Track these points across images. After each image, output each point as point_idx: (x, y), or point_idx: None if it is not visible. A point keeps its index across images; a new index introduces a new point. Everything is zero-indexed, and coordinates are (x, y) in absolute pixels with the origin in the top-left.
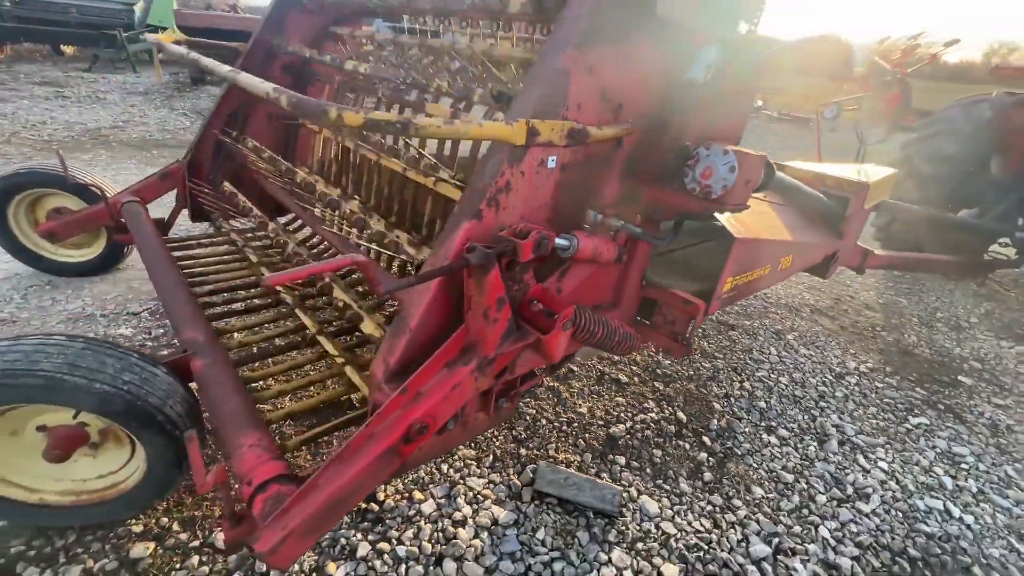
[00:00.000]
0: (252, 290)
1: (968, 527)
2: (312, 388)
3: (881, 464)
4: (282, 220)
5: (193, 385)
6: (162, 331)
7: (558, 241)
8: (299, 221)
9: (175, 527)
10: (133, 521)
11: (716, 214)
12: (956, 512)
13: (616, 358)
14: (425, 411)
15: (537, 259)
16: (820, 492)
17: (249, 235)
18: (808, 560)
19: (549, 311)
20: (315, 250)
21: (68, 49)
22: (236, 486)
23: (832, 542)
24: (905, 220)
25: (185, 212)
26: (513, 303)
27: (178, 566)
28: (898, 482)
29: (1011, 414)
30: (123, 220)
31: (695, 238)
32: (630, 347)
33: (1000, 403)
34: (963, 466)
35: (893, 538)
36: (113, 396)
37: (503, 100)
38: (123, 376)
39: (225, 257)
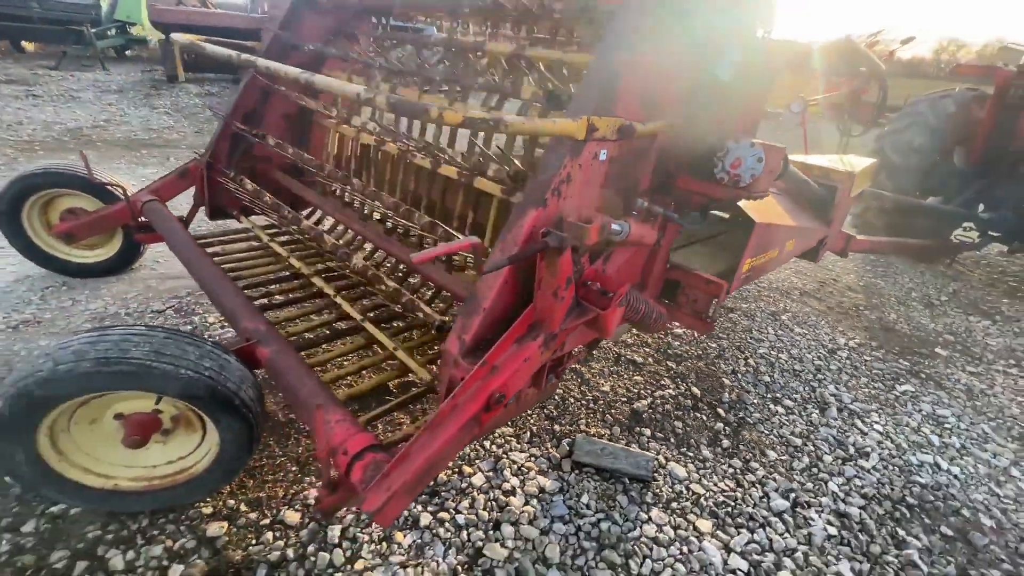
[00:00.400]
0: (285, 283)
1: (955, 477)
2: (348, 376)
3: (876, 427)
4: (303, 213)
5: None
6: (190, 328)
7: (613, 226)
8: (319, 213)
9: (243, 507)
10: (201, 504)
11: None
12: (944, 465)
13: (629, 341)
14: (501, 383)
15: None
16: (826, 453)
17: (272, 231)
18: (822, 511)
19: (603, 291)
20: (344, 241)
21: (28, 45)
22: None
23: (841, 495)
24: (879, 207)
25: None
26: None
27: (253, 542)
28: (892, 441)
29: (983, 380)
30: (144, 219)
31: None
32: (663, 325)
33: (973, 371)
34: (946, 426)
35: (892, 489)
36: (196, 382)
37: (553, 100)
38: (203, 363)
39: (252, 252)
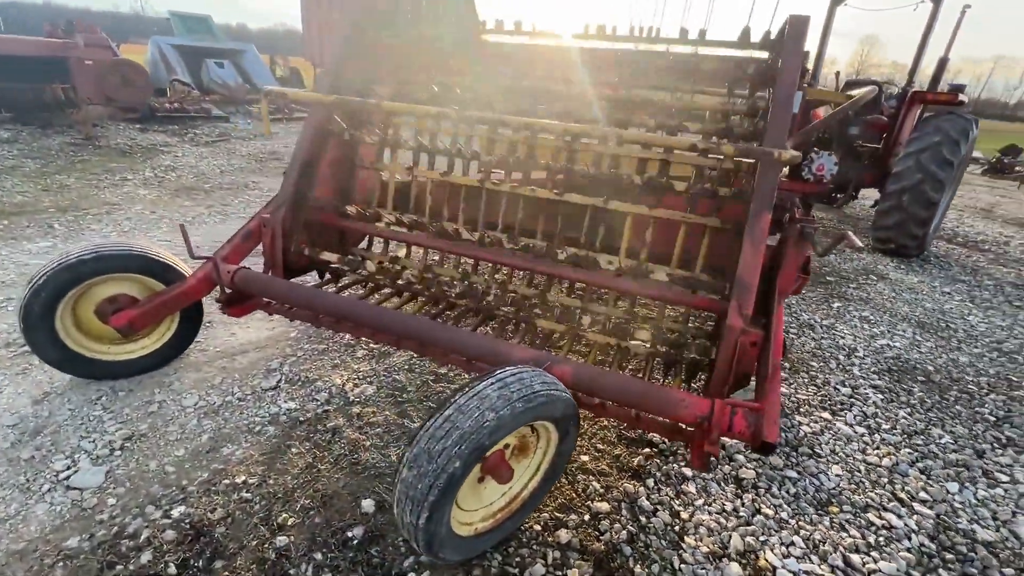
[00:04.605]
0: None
1: (899, 348)
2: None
3: (845, 333)
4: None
5: None
6: (326, 395)
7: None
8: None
9: (558, 514)
10: (525, 528)
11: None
12: (891, 343)
13: None
14: (780, 337)
15: None
16: (838, 355)
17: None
18: (866, 387)
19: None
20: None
21: None
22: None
23: (864, 375)
24: None
25: None
26: None
27: (597, 534)
28: (856, 339)
29: (863, 291)
30: (234, 290)
31: None
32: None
33: (855, 287)
34: (871, 321)
35: (881, 364)
36: (568, 403)
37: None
38: (561, 388)
39: (369, 296)
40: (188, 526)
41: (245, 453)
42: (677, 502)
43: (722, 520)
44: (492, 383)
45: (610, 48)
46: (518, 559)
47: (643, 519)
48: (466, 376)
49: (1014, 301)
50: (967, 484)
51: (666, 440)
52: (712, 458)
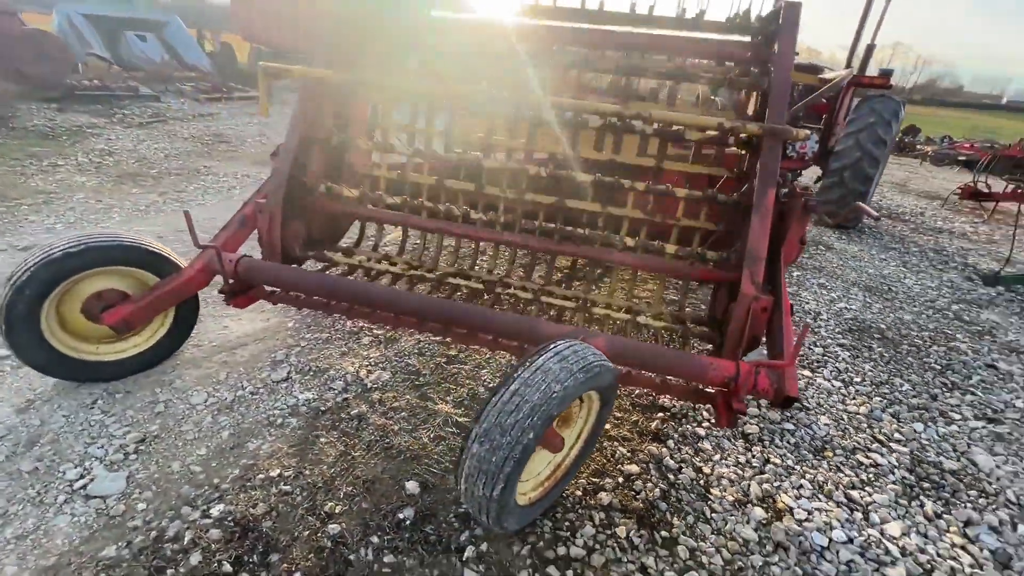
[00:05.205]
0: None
1: (855, 310)
2: None
3: (808, 297)
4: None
5: None
6: (342, 383)
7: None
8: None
9: (594, 479)
10: (568, 494)
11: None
12: (849, 306)
13: None
14: (788, 302)
15: None
16: (802, 317)
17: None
18: (835, 346)
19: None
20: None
21: None
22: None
23: (831, 337)
24: None
25: None
26: None
27: (634, 494)
28: (818, 300)
29: (816, 260)
30: (236, 280)
31: None
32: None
33: (807, 257)
34: (827, 287)
35: (843, 324)
36: (614, 372)
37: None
38: (605, 359)
39: (374, 280)
40: (232, 523)
41: (273, 446)
42: (697, 459)
43: (739, 471)
44: (551, 357)
45: (603, 30)
46: (567, 523)
47: (671, 476)
48: (480, 357)
49: (937, 265)
50: (929, 424)
51: (677, 403)
52: (740, 415)
